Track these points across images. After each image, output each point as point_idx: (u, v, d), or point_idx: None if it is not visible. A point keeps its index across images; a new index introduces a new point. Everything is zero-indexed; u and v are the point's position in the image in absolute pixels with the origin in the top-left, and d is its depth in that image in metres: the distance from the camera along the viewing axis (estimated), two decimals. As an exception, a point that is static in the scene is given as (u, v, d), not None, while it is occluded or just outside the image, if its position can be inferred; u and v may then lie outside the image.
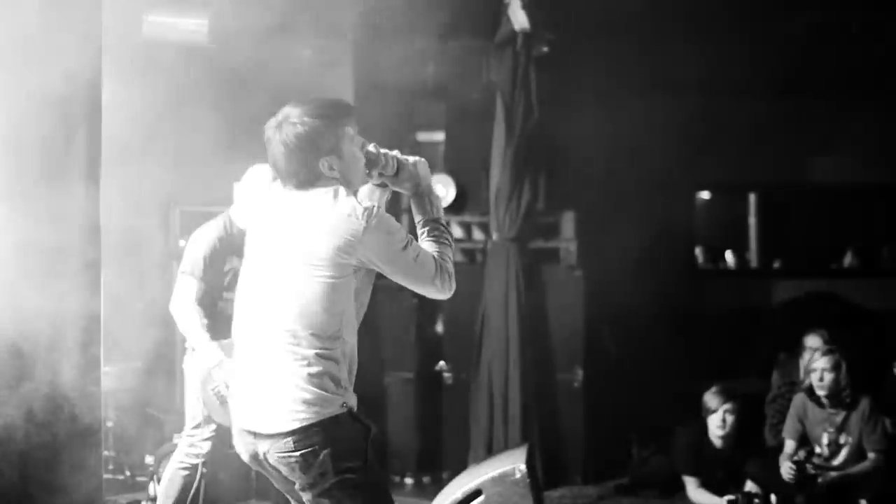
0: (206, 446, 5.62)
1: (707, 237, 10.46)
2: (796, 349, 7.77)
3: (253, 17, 6.95)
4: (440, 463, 8.11)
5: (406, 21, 7.53)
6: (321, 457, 3.40)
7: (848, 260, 10.06)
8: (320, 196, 3.57)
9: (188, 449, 5.67)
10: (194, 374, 5.56)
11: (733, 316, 9.17)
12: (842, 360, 6.94)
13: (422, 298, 7.19)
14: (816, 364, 6.95)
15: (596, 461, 7.95)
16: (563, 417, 7.97)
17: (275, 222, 3.62)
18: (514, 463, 5.72)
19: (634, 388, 8.25)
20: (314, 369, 3.45)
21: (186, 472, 5.67)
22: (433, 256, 3.59)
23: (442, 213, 3.77)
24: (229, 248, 5.60)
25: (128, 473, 7.24)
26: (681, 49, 8.70)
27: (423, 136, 9.04)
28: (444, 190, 8.10)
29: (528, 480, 5.62)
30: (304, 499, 3.50)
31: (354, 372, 3.61)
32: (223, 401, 5.45)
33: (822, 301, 9.46)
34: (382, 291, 5.27)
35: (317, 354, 3.46)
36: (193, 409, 5.65)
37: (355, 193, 3.67)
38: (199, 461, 5.63)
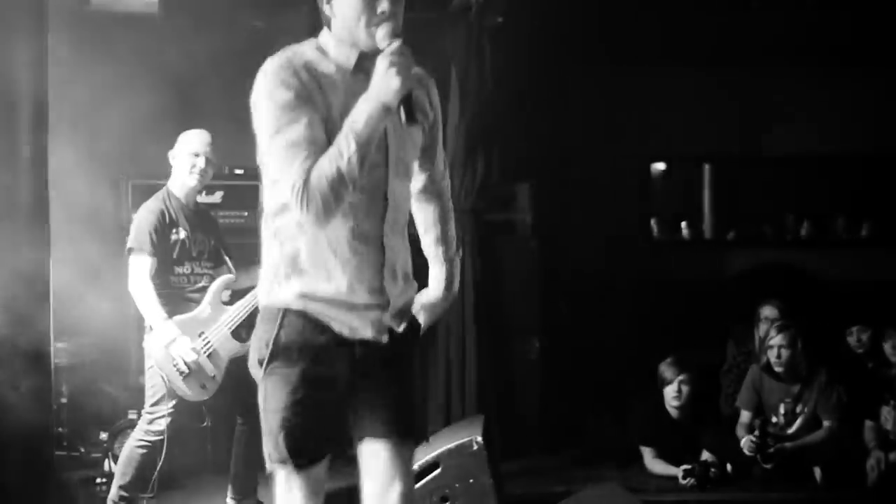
0: (165, 423, 5.60)
1: (662, 208, 10.47)
2: (751, 319, 7.81)
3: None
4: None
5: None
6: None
7: (804, 230, 10.10)
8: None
9: (147, 426, 5.66)
10: (154, 351, 5.54)
11: (688, 286, 9.19)
12: (798, 335, 6.99)
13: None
14: (773, 341, 6.98)
15: (553, 432, 7.95)
16: (519, 388, 7.96)
17: None
18: (470, 435, 5.70)
19: (590, 359, 8.27)
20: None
21: (145, 451, 5.65)
22: (302, 164, 2.98)
23: (367, 128, 3.00)
24: (173, 220, 5.63)
25: (82, 450, 7.15)
26: (635, 20, 8.70)
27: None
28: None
29: (484, 452, 5.60)
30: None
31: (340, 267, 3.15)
32: (184, 376, 5.47)
33: (777, 271, 9.50)
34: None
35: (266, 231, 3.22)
36: (154, 385, 5.64)
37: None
38: (158, 438, 5.61)
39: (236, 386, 5.61)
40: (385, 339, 3.21)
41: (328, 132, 3.03)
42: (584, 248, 8.88)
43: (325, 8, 3.16)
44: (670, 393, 7.16)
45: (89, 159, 6.82)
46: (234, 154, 5.99)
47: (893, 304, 7.98)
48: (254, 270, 6.05)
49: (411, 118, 3.08)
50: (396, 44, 3.03)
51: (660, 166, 10.56)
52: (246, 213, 7.14)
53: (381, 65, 3.00)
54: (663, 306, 8.90)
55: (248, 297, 5.69)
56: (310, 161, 2.97)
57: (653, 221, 10.22)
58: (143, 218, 5.63)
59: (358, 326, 3.17)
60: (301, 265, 3.14)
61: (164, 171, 5.88)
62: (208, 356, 5.61)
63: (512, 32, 7.71)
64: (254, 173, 7.16)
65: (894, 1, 8.06)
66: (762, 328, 7.50)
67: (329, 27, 3.19)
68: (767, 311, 7.63)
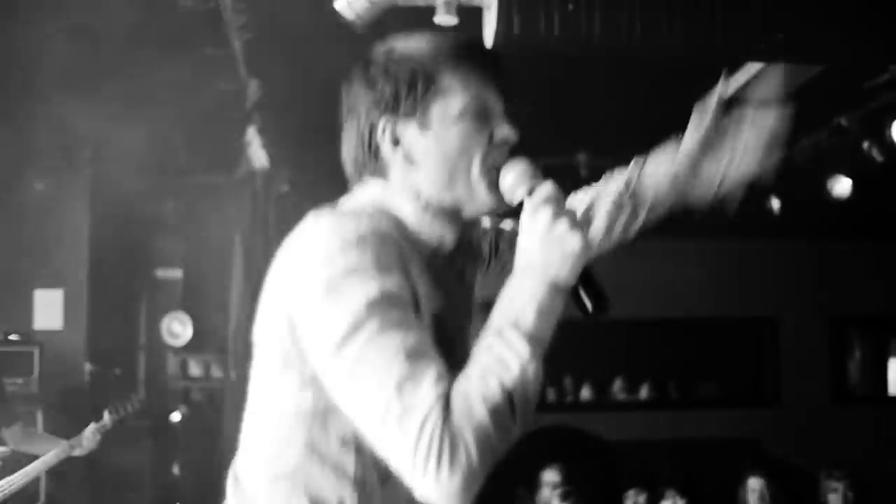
0: None
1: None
2: (534, 483, 7.87)
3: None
4: None
5: (145, 155, 7.44)
6: None
7: (584, 393, 10.34)
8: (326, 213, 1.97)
9: None
10: None
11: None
12: (579, 502, 7.08)
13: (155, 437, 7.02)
14: (556, 511, 7.05)
15: None
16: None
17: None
18: None
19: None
20: None
21: None
22: (434, 387, 1.66)
23: (541, 321, 1.89)
24: None
25: None
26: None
27: (161, 273, 8.86)
28: (182, 328, 7.94)
29: None
30: None
31: None
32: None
33: (557, 434, 9.66)
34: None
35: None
36: None
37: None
38: None
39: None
40: None
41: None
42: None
43: (392, 153, 1.96)
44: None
45: None
46: (9, 319, 5.85)
47: (670, 464, 8.18)
48: (39, 440, 5.86)
49: (600, 302, 1.93)
50: (548, 186, 1.85)
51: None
52: (21, 380, 6.88)
53: (539, 220, 1.81)
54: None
55: (20, 473, 5.50)
56: (445, 382, 1.68)
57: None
58: None
59: None
60: None
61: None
62: None
63: (298, 201, 7.80)
64: (30, 338, 7.02)
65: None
66: (544, 492, 7.56)
67: (392, 180, 1.99)
68: (549, 476, 7.70)
